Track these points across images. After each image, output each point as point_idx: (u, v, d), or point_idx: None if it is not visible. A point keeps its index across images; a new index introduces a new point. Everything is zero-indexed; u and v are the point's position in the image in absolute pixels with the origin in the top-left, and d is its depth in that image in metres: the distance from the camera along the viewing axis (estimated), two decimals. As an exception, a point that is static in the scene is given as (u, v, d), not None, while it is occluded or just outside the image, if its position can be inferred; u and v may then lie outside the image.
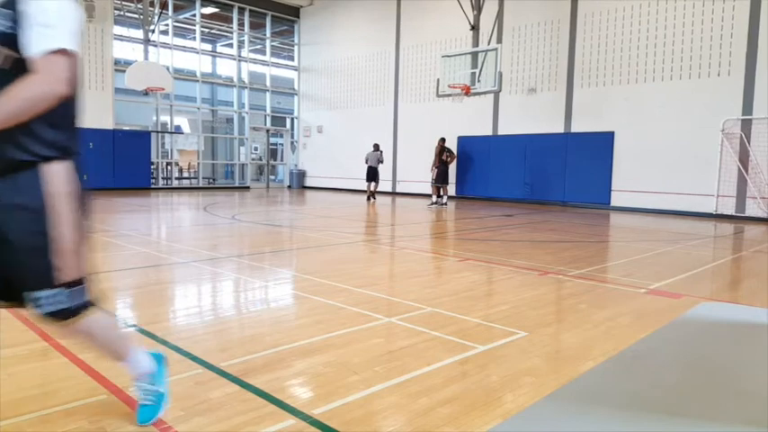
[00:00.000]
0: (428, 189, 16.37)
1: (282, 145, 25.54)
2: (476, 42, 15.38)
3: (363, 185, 20.96)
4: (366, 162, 16.93)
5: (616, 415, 2.52)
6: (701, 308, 4.51)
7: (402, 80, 20.08)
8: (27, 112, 1.79)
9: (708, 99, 13.21)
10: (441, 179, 15.52)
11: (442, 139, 16.03)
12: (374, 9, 20.82)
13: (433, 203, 15.32)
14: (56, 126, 1.94)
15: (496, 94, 15.97)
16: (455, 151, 17.53)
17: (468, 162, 18.08)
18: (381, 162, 17.02)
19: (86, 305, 2.12)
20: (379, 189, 17.66)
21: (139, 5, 18.01)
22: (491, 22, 16.07)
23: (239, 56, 22.86)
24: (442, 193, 15.49)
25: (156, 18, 18.45)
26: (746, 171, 12.75)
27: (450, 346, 3.44)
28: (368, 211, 13.62)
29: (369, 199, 16.74)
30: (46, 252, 1.95)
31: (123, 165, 19.10)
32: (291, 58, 24.60)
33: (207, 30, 22.77)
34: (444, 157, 15.74)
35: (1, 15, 1.80)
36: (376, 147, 17.19)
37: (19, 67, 1.80)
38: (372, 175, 16.71)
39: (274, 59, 24.02)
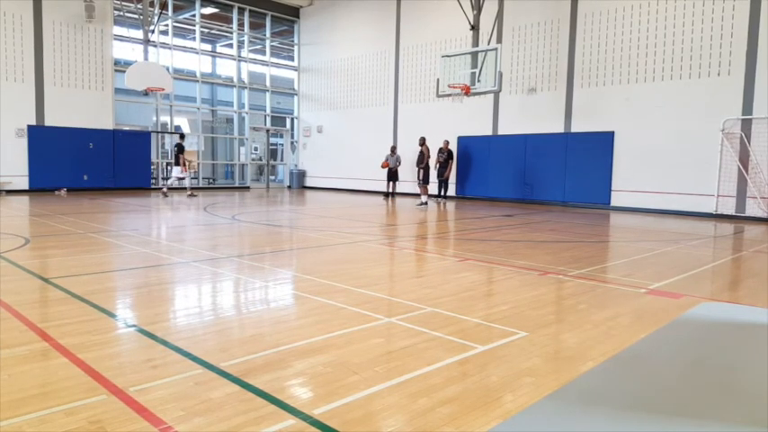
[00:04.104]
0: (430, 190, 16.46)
1: (282, 145, 25.54)
2: (476, 42, 15.38)
3: (364, 186, 21.05)
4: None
5: (616, 415, 2.52)
6: (701, 308, 4.51)
7: (402, 80, 20.08)
8: None
9: (708, 99, 13.21)
10: (425, 179, 15.90)
11: (422, 140, 16.37)
12: (374, 9, 20.81)
13: (421, 203, 15.37)
14: None
15: (496, 93, 15.97)
16: (437, 149, 17.67)
17: (468, 162, 18.08)
18: (399, 164, 17.88)
19: None
20: (377, 189, 18.00)
21: (139, 6, 18.00)
22: (491, 22, 16.07)
23: (239, 56, 22.86)
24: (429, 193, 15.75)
25: (156, 18, 18.44)
26: (746, 171, 12.75)
27: (450, 346, 3.44)
28: (368, 212, 13.62)
29: (386, 197, 17.78)
30: None
31: (123, 165, 19.11)
32: (291, 59, 24.59)
33: (207, 30, 22.76)
34: (427, 158, 16.06)
35: None
36: (393, 150, 18.02)
37: None
38: (392, 175, 17.71)
39: (274, 59, 24.02)
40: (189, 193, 17.27)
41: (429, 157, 16.22)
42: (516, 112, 16.85)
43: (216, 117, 24.78)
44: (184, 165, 16.81)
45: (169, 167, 22.13)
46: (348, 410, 2.50)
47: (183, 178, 17.13)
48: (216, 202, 15.45)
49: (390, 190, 17.81)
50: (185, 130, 24.42)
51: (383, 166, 17.47)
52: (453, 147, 17.82)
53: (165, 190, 17.17)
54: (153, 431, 2.28)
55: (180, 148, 16.72)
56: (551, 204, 16.16)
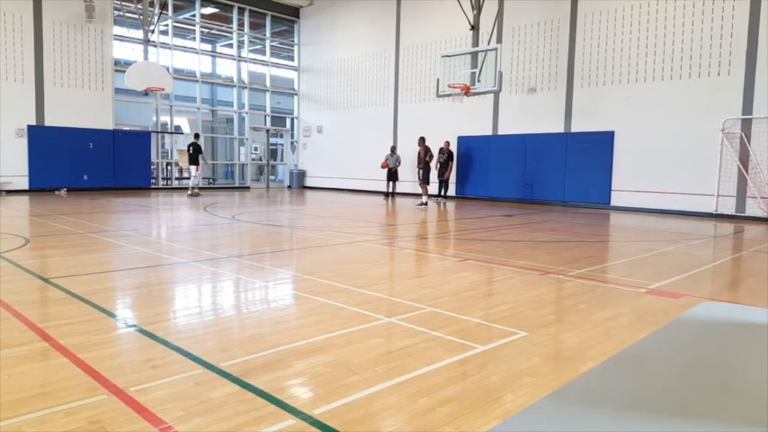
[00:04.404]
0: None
1: (282, 145, 25.54)
2: (476, 42, 15.38)
3: (364, 186, 21.04)
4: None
5: (616, 415, 2.52)
6: (701, 308, 4.51)
7: (402, 80, 20.08)
8: None
9: (708, 99, 13.21)
10: (426, 179, 15.74)
11: (422, 139, 16.20)
12: (374, 9, 20.81)
13: (421, 203, 15.31)
14: None
15: (496, 93, 15.97)
16: (451, 150, 17.64)
17: (469, 162, 18.08)
18: (399, 164, 17.83)
19: None
20: (378, 189, 18.05)
21: (139, 6, 18.00)
22: (491, 22, 16.07)
23: (239, 56, 22.86)
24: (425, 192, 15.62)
25: (156, 18, 18.44)
26: (746, 171, 12.75)
27: (451, 346, 3.44)
28: (368, 212, 13.62)
29: (387, 197, 17.70)
30: None
31: (123, 165, 19.10)
32: (291, 59, 24.59)
33: (207, 30, 22.76)
34: (428, 158, 15.92)
35: None
36: (393, 150, 17.95)
37: None
38: (392, 175, 17.62)
39: (274, 59, 24.02)
40: (190, 192, 17.41)
41: (428, 156, 16.13)
42: (516, 112, 16.85)
43: (216, 117, 24.78)
44: (201, 164, 17.26)
45: (168, 168, 22.19)
46: (348, 410, 2.50)
47: (193, 177, 17.51)
48: (216, 202, 15.45)
49: (390, 190, 17.75)
50: (185, 129, 24.44)
51: (383, 167, 17.45)
52: (453, 147, 17.83)
53: (196, 191, 17.46)
54: (153, 431, 2.28)
55: (197, 148, 17.09)
56: (551, 204, 16.15)
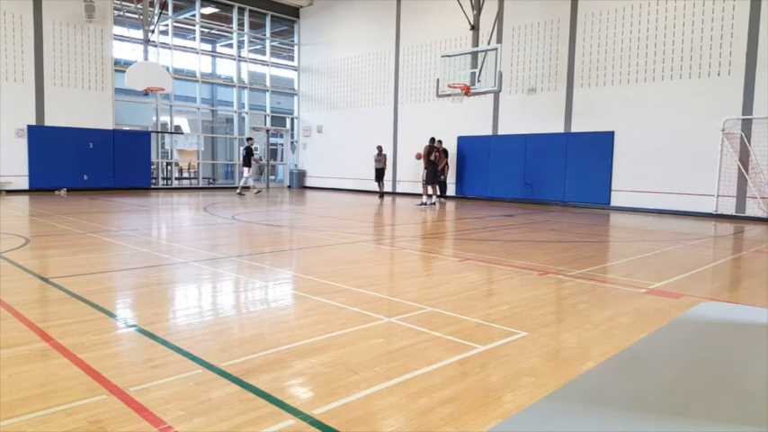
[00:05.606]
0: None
1: (282, 145, 25.54)
2: (476, 42, 15.38)
3: (364, 186, 21.04)
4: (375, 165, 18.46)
5: (616, 415, 2.52)
6: (701, 308, 4.51)
7: (402, 80, 20.07)
8: None
9: (708, 99, 13.21)
10: (430, 179, 15.48)
11: (432, 140, 16.14)
12: (374, 9, 20.81)
13: (422, 203, 15.26)
14: None
15: (496, 93, 15.97)
16: (450, 151, 17.56)
17: (468, 162, 18.08)
18: (385, 164, 18.19)
19: None
20: (377, 189, 18.37)
21: (139, 6, 18.01)
22: (491, 22, 16.07)
23: (239, 56, 22.86)
24: (430, 193, 15.46)
25: (156, 18, 18.44)
26: (746, 171, 12.75)
27: (450, 346, 3.44)
28: (368, 212, 13.62)
29: (381, 197, 18.11)
30: None
31: (123, 165, 19.11)
32: (291, 58, 24.59)
33: (207, 30, 22.76)
34: (433, 158, 15.76)
35: None
36: (380, 150, 18.15)
37: None
38: (379, 175, 18.08)
39: (274, 59, 24.02)
40: (256, 191, 18.93)
41: (432, 156, 16.02)
42: (516, 112, 16.84)
43: (216, 117, 24.79)
44: (252, 165, 18.31)
45: (169, 168, 22.18)
46: (348, 410, 2.50)
47: (246, 177, 18.45)
48: (216, 202, 15.45)
49: (380, 189, 18.00)
50: (185, 129, 24.46)
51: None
52: (453, 147, 17.83)
53: (239, 190, 18.51)
54: (153, 431, 2.28)
55: (249, 152, 18.06)
56: (551, 204, 16.15)
